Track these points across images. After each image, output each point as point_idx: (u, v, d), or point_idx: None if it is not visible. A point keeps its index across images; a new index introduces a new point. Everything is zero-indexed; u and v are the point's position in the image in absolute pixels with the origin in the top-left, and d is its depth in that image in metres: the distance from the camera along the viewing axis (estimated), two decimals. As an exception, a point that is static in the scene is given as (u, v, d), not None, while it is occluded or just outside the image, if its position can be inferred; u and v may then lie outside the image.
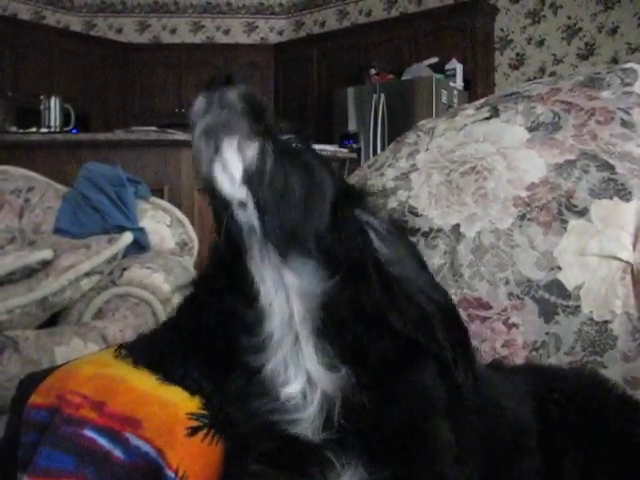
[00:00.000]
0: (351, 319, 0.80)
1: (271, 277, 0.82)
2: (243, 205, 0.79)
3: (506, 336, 1.24)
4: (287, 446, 0.78)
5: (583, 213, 1.26)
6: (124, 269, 2.39)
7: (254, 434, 0.79)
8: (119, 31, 9.26)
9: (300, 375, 0.80)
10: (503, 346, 1.24)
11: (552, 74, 6.71)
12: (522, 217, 1.29)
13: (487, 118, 1.48)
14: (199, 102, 0.81)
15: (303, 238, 0.80)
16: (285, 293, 0.81)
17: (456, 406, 0.80)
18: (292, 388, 0.80)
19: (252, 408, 0.80)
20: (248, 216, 0.79)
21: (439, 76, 6.85)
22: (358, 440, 0.77)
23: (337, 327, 0.80)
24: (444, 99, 6.66)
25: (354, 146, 6.74)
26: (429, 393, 0.79)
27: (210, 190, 0.80)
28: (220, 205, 0.80)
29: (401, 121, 6.50)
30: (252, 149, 0.79)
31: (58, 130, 4.79)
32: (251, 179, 0.78)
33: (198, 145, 0.80)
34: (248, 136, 0.79)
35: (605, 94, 1.40)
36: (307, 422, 0.78)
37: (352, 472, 0.75)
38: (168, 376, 0.88)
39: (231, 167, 0.78)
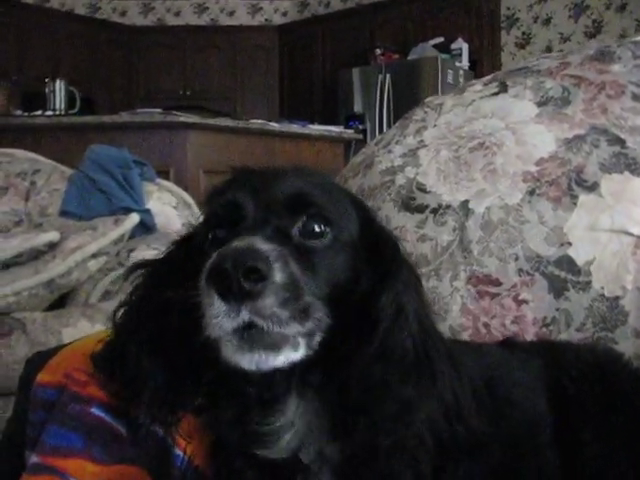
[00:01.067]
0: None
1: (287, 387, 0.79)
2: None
3: (516, 312, 1.23)
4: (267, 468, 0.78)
5: (593, 188, 1.24)
6: (131, 250, 2.39)
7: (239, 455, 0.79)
8: (123, 14, 9.23)
9: (311, 447, 0.79)
10: (513, 322, 1.22)
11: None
12: (531, 192, 1.27)
13: (495, 93, 1.46)
14: (216, 302, 0.69)
15: None
16: (298, 396, 0.79)
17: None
18: (304, 457, 0.78)
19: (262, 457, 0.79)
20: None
21: (445, 56, 6.81)
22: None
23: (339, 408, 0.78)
24: (450, 79, 6.63)
25: (360, 127, 6.72)
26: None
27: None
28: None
29: (407, 101, 6.44)
30: (297, 354, 0.73)
31: (63, 113, 4.78)
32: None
33: (224, 343, 0.71)
34: (295, 345, 0.72)
35: (616, 67, 1.37)
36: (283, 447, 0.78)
37: None
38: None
39: (266, 368, 0.72)
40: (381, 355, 0.75)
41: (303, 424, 0.77)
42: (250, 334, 0.69)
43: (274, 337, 0.69)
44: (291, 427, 0.77)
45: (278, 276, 0.68)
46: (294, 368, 0.74)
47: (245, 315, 0.68)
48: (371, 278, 0.79)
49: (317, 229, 0.76)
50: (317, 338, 0.73)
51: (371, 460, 0.76)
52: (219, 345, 0.71)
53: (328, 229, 0.77)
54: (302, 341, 0.72)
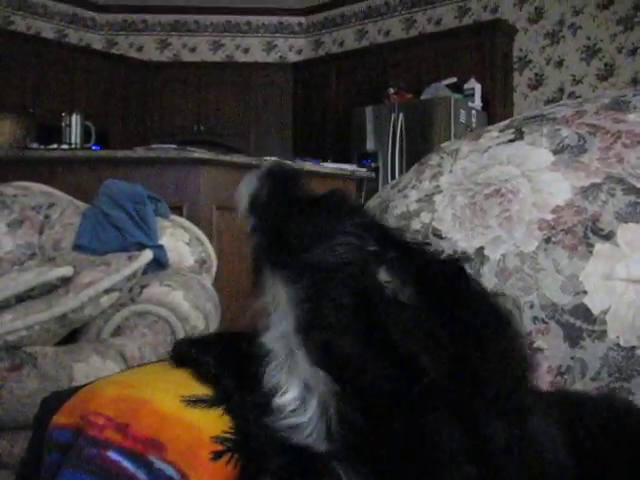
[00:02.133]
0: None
1: None
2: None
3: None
4: (296, 459, 0.77)
5: (609, 237, 1.25)
6: (143, 286, 2.40)
7: (267, 450, 0.79)
8: (140, 49, 9.36)
9: (296, 382, 0.81)
10: (528, 371, 1.22)
11: (571, 95, 6.71)
12: (547, 240, 1.28)
13: (511, 140, 1.47)
14: None
15: None
16: None
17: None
18: (289, 396, 0.81)
19: (265, 424, 0.80)
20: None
21: (457, 96, 6.86)
22: (360, 456, 0.76)
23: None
24: (462, 119, 6.66)
25: (372, 165, 6.75)
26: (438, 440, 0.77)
27: None
28: None
29: (419, 141, 6.51)
30: None
31: (79, 147, 4.83)
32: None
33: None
34: None
35: (631, 117, 1.38)
36: (307, 429, 0.78)
37: None
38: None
39: None
40: None
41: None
42: None
43: None
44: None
45: None
46: None
47: None
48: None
49: None
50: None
51: None
52: None
53: None
54: None
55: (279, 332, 0.83)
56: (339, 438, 0.77)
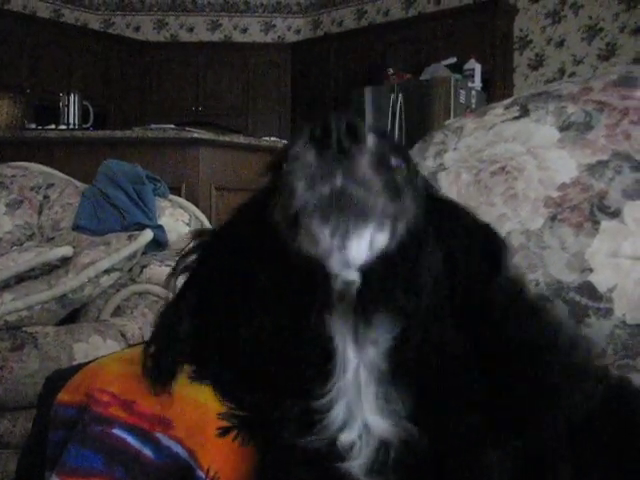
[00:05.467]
0: (419, 367, 0.73)
1: (346, 331, 0.73)
2: (347, 283, 0.68)
3: (536, 339, 1.22)
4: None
5: (616, 214, 1.24)
6: (143, 266, 2.39)
7: (296, 462, 0.74)
8: (137, 29, 9.30)
9: (358, 422, 0.72)
10: (533, 349, 1.21)
11: (572, 75, 6.67)
12: (553, 218, 1.27)
13: (517, 117, 1.45)
14: (311, 159, 0.64)
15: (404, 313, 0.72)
16: (357, 344, 0.73)
17: None
18: (348, 435, 0.72)
19: (302, 440, 0.73)
20: (347, 291, 0.69)
21: (457, 76, 6.82)
22: None
23: (403, 376, 0.73)
24: (462, 99, 6.63)
25: (371, 146, 6.71)
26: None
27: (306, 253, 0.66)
28: (312, 266, 0.67)
29: (419, 121, 6.47)
30: (384, 237, 0.66)
31: (77, 127, 4.80)
32: (373, 271, 0.67)
33: (310, 218, 0.64)
34: (383, 223, 0.65)
35: (639, 93, 1.37)
36: (357, 464, 0.72)
37: None
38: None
39: (353, 254, 0.65)
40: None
41: (355, 390, 0.73)
42: (337, 197, 0.63)
43: (363, 202, 0.63)
44: (344, 394, 0.72)
45: (373, 143, 0.66)
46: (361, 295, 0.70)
47: (339, 178, 0.63)
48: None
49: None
50: (400, 229, 0.68)
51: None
52: (296, 226, 0.65)
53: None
54: (388, 223, 0.66)
55: (352, 367, 0.73)
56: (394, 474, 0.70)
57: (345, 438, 0.72)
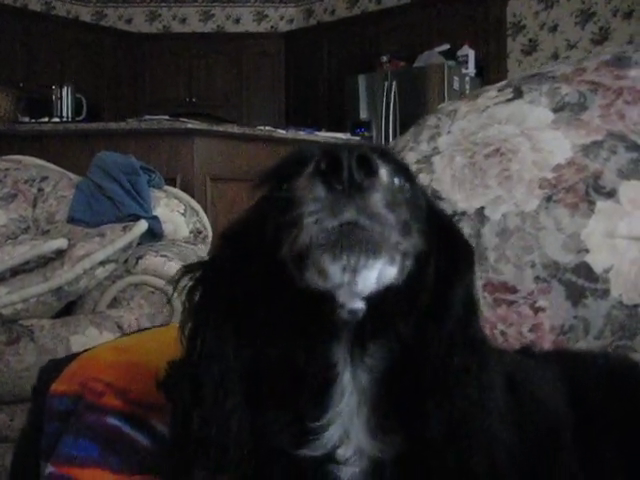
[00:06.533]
0: (411, 386, 0.74)
1: (344, 356, 0.73)
2: (352, 312, 0.67)
3: (533, 320, 1.21)
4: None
5: (611, 194, 1.23)
6: (139, 257, 2.38)
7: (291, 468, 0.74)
8: (129, 21, 9.26)
9: (352, 443, 0.73)
10: (530, 330, 1.21)
11: (565, 59, 6.66)
12: (548, 199, 1.26)
13: (510, 99, 1.44)
14: (321, 193, 0.63)
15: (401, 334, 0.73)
16: (354, 370, 0.73)
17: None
18: (343, 454, 0.73)
19: (298, 452, 0.73)
20: (351, 319, 0.68)
21: (451, 63, 6.81)
22: None
23: (396, 397, 0.74)
24: (456, 86, 6.62)
25: (366, 134, 6.71)
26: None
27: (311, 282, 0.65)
28: (319, 296, 0.66)
29: (413, 108, 6.46)
30: (394, 270, 0.66)
31: (70, 120, 4.78)
32: (378, 299, 0.66)
33: (321, 254, 0.63)
34: (393, 257, 0.65)
35: (633, 73, 1.36)
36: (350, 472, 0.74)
37: None
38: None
39: (362, 287, 0.64)
40: (456, 341, 0.73)
41: (350, 413, 0.73)
42: (348, 232, 0.62)
43: (375, 236, 0.62)
44: (339, 417, 0.73)
45: (385, 175, 0.64)
46: (358, 330, 0.70)
47: (350, 213, 0.61)
48: (441, 259, 0.76)
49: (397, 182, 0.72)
50: (408, 263, 0.67)
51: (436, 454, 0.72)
52: (304, 259, 0.64)
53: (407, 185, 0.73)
54: (398, 257, 0.65)
55: (349, 390, 0.73)
56: None
57: (340, 454, 0.73)
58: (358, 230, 0.62)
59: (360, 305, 0.67)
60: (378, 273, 0.64)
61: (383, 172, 0.65)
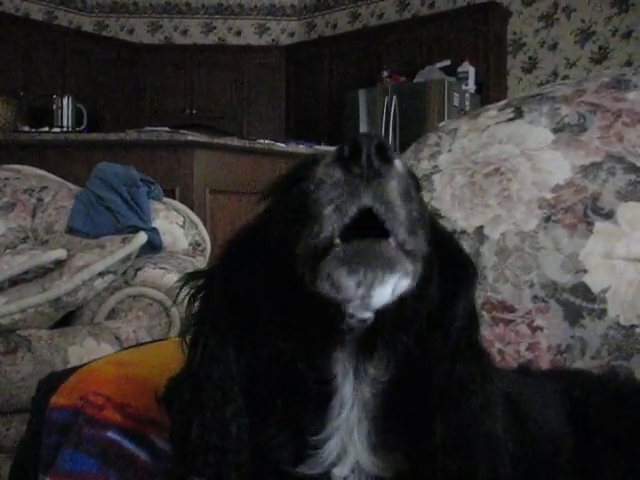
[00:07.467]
0: (410, 401, 0.74)
1: (347, 369, 0.73)
2: (361, 321, 0.68)
3: (530, 339, 1.22)
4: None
5: (609, 215, 1.24)
6: (137, 269, 2.38)
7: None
8: (130, 32, 9.28)
9: (351, 458, 0.73)
10: (527, 349, 1.22)
11: (565, 78, 6.69)
12: (547, 219, 1.27)
13: (511, 119, 1.46)
14: (340, 177, 0.64)
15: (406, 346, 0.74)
16: (356, 383, 0.74)
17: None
18: (341, 470, 0.73)
19: (296, 470, 0.73)
20: (358, 329, 0.69)
21: (451, 79, 6.83)
22: None
23: (398, 410, 0.74)
24: (456, 102, 6.64)
25: (365, 148, 6.71)
26: None
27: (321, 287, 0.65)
28: (329, 306, 0.66)
29: (413, 124, 6.48)
30: (407, 283, 0.66)
31: (70, 130, 4.79)
32: (387, 310, 0.67)
33: (337, 267, 0.63)
34: (407, 271, 0.65)
35: (632, 95, 1.37)
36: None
37: None
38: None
39: (375, 300, 0.65)
40: (461, 350, 0.74)
41: (349, 428, 0.73)
42: (365, 249, 0.63)
43: (389, 252, 0.63)
44: (337, 433, 0.73)
45: (400, 166, 0.66)
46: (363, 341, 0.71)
47: (367, 198, 0.63)
48: (445, 268, 0.76)
49: None
50: (418, 270, 0.68)
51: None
52: (319, 266, 0.64)
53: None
54: (410, 267, 0.66)
55: (349, 403, 0.73)
56: None
57: (338, 473, 0.73)
58: (375, 244, 0.64)
59: (369, 314, 0.67)
60: (393, 287, 0.65)
61: (398, 162, 0.66)
